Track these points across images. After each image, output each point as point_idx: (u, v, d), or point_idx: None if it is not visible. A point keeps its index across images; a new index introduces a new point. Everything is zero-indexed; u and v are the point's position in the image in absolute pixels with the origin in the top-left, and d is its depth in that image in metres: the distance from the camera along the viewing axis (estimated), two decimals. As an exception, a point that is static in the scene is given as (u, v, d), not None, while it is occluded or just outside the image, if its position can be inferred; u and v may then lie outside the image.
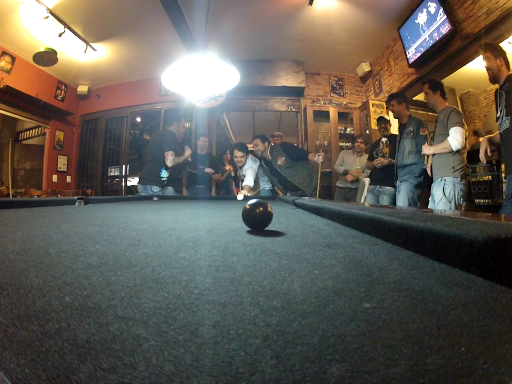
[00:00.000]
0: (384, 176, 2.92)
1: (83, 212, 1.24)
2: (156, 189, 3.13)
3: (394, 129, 3.31)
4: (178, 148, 3.41)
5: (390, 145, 2.93)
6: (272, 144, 3.51)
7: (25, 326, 0.21)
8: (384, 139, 3.03)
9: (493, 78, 1.93)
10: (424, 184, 2.55)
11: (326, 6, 3.55)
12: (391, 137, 2.98)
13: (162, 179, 3.20)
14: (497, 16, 2.59)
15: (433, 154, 2.30)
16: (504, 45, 2.58)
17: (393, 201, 2.85)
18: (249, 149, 3.43)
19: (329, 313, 0.24)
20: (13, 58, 4.21)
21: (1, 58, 4.07)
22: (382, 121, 3.16)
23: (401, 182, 2.62)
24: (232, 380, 0.15)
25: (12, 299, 0.26)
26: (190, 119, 5.18)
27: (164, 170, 3.18)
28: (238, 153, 3.32)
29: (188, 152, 3.39)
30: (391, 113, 2.98)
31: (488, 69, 1.92)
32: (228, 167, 4.37)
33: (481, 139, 3.70)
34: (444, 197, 2.15)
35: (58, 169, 5.24)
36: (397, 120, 2.90)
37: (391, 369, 0.16)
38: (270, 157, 3.31)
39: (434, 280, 0.33)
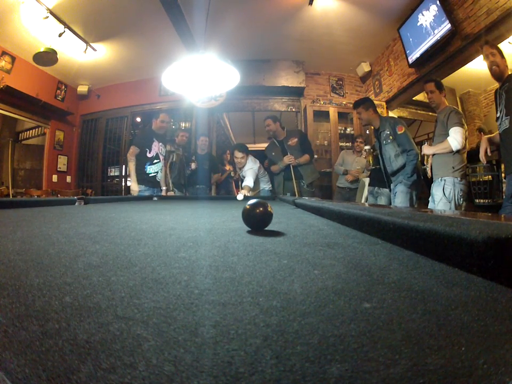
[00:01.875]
0: (382, 177, 2.92)
1: (83, 211, 1.24)
2: (141, 187, 2.98)
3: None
4: (163, 142, 3.27)
5: (373, 153, 2.91)
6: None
7: (25, 326, 0.21)
8: (366, 147, 3.03)
9: (499, 74, 1.88)
10: (419, 183, 2.51)
11: (326, 6, 3.55)
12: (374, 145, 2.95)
13: (150, 175, 3.02)
14: (497, 16, 2.58)
15: (433, 155, 2.30)
16: (504, 45, 2.59)
17: (390, 203, 2.84)
18: (265, 125, 3.40)
19: (329, 313, 0.24)
20: (13, 58, 4.21)
21: (1, 58, 4.07)
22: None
23: (396, 185, 2.56)
24: (232, 380, 0.15)
25: (12, 299, 0.26)
26: (190, 119, 5.19)
27: (149, 166, 3.00)
28: (238, 154, 3.32)
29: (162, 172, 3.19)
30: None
31: (494, 64, 1.88)
32: (227, 167, 4.38)
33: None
34: (443, 197, 2.15)
35: (58, 169, 5.24)
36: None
37: (391, 369, 0.16)
38: (285, 135, 3.34)
39: (434, 280, 0.33)
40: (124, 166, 5.31)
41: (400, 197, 2.47)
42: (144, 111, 5.48)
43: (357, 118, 4.93)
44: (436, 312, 0.24)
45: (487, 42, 1.96)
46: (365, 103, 2.64)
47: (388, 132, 2.49)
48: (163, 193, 3.25)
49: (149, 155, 3.02)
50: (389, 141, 2.49)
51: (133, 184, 2.93)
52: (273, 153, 3.42)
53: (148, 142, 3.03)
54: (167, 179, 3.46)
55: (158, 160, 3.11)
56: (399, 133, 2.42)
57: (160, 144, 3.13)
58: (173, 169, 3.54)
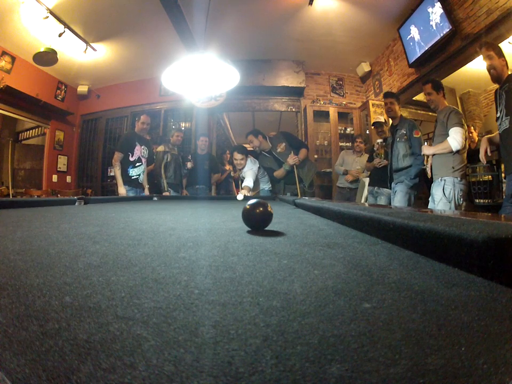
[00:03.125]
0: (382, 177, 2.93)
1: (83, 211, 1.24)
2: (125, 187, 3.09)
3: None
4: (144, 142, 3.32)
5: (385, 147, 2.93)
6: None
7: (25, 326, 0.21)
8: (379, 140, 3.03)
9: (497, 77, 1.88)
10: (419, 186, 2.54)
11: (326, 6, 3.55)
12: (387, 138, 2.98)
13: (133, 177, 3.13)
14: (497, 16, 2.58)
15: (433, 155, 2.30)
16: (504, 45, 2.58)
17: (389, 203, 2.86)
18: (246, 146, 3.42)
19: (329, 313, 0.24)
20: (13, 58, 4.21)
21: (1, 58, 4.07)
22: (378, 125, 3.16)
23: (396, 183, 2.61)
24: (232, 380, 0.15)
25: (12, 299, 0.26)
26: (190, 119, 5.18)
27: (131, 169, 3.12)
28: (237, 156, 3.32)
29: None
30: (386, 114, 2.97)
31: (491, 68, 1.88)
32: (227, 167, 4.38)
33: (471, 129, 3.70)
34: (443, 197, 2.15)
35: (58, 169, 5.24)
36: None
37: (391, 369, 0.16)
38: (270, 145, 3.33)
39: (434, 280, 0.33)
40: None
41: (399, 195, 2.53)
42: (144, 111, 5.48)
43: (355, 118, 4.93)
44: (436, 312, 0.24)
45: (484, 45, 1.95)
46: (397, 97, 2.76)
47: (404, 132, 2.57)
48: (146, 191, 3.33)
49: (131, 159, 3.12)
50: (402, 139, 2.57)
51: (120, 188, 3.07)
52: (268, 163, 3.41)
53: (130, 147, 3.13)
54: (162, 180, 3.48)
55: (141, 163, 3.22)
56: (415, 136, 2.50)
57: (142, 147, 3.23)
58: (167, 169, 3.56)
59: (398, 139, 2.60)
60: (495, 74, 1.88)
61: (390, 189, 2.77)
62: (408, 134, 2.53)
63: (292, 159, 3.17)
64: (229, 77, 2.31)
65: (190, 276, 0.35)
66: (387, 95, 2.79)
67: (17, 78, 4.24)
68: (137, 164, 3.17)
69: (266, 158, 3.39)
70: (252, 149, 3.48)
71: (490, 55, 1.88)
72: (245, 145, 3.61)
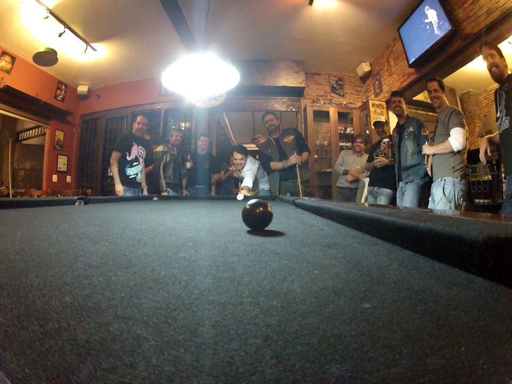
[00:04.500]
0: (382, 177, 2.92)
1: (83, 211, 1.24)
2: (124, 188, 3.15)
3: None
4: (142, 143, 3.34)
5: (392, 146, 2.93)
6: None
7: (25, 326, 0.21)
8: (386, 139, 3.03)
9: (499, 75, 1.86)
10: (428, 185, 2.55)
11: (326, 6, 3.55)
12: (392, 138, 2.98)
13: (130, 177, 3.18)
14: (497, 16, 2.58)
15: (434, 155, 2.30)
16: (504, 45, 2.58)
17: (391, 203, 2.86)
18: (266, 120, 3.41)
19: (329, 313, 0.24)
20: (13, 58, 4.21)
21: (1, 58, 4.07)
22: (379, 125, 3.16)
23: (406, 183, 2.60)
24: (232, 380, 0.15)
25: (12, 299, 0.26)
26: (190, 119, 5.18)
27: (128, 168, 3.18)
28: (237, 156, 3.33)
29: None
30: (386, 114, 2.97)
31: (493, 65, 1.86)
32: (232, 167, 4.38)
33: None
34: (443, 196, 2.15)
35: (58, 169, 5.24)
36: (396, 120, 2.89)
37: (391, 369, 0.16)
38: (280, 132, 3.38)
39: (434, 280, 0.33)
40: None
41: (410, 195, 2.53)
42: (144, 111, 5.47)
43: (355, 118, 4.93)
44: (436, 312, 0.24)
45: (486, 43, 1.95)
46: (405, 96, 2.79)
47: (412, 129, 2.59)
48: (144, 192, 3.37)
49: (128, 158, 3.17)
50: (411, 137, 2.58)
51: (117, 185, 3.11)
52: (269, 151, 3.42)
53: (128, 146, 3.19)
54: (161, 180, 3.51)
55: (138, 163, 3.27)
56: (423, 134, 2.52)
57: (140, 147, 3.28)
58: (167, 169, 3.57)
59: (406, 137, 2.62)
60: (497, 72, 1.87)
61: (394, 189, 2.77)
62: (416, 132, 2.55)
63: (294, 158, 3.17)
64: (229, 77, 2.31)
65: (190, 276, 0.35)
66: (395, 93, 2.82)
67: (17, 78, 4.24)
68: (135, 163, 3.23)
69: (271, 144, 3.41)
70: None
71: (492, 53, 1.87)
72: (245, 145, 3.62)
